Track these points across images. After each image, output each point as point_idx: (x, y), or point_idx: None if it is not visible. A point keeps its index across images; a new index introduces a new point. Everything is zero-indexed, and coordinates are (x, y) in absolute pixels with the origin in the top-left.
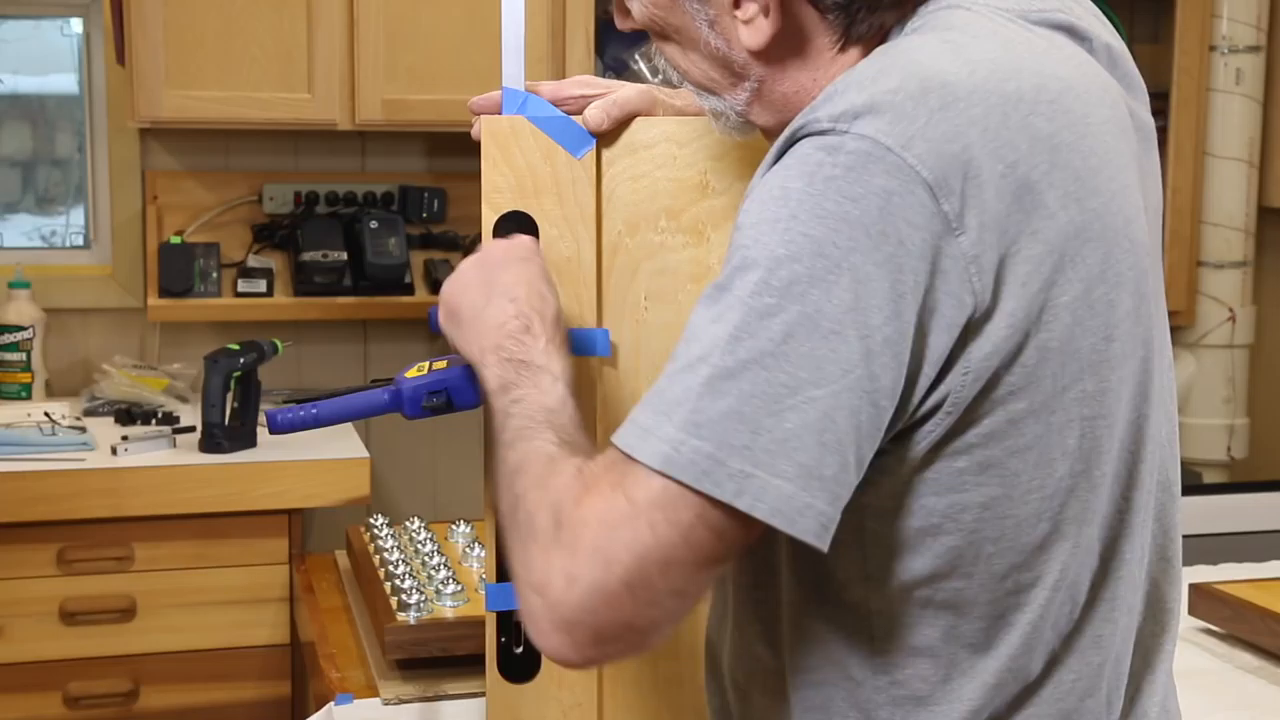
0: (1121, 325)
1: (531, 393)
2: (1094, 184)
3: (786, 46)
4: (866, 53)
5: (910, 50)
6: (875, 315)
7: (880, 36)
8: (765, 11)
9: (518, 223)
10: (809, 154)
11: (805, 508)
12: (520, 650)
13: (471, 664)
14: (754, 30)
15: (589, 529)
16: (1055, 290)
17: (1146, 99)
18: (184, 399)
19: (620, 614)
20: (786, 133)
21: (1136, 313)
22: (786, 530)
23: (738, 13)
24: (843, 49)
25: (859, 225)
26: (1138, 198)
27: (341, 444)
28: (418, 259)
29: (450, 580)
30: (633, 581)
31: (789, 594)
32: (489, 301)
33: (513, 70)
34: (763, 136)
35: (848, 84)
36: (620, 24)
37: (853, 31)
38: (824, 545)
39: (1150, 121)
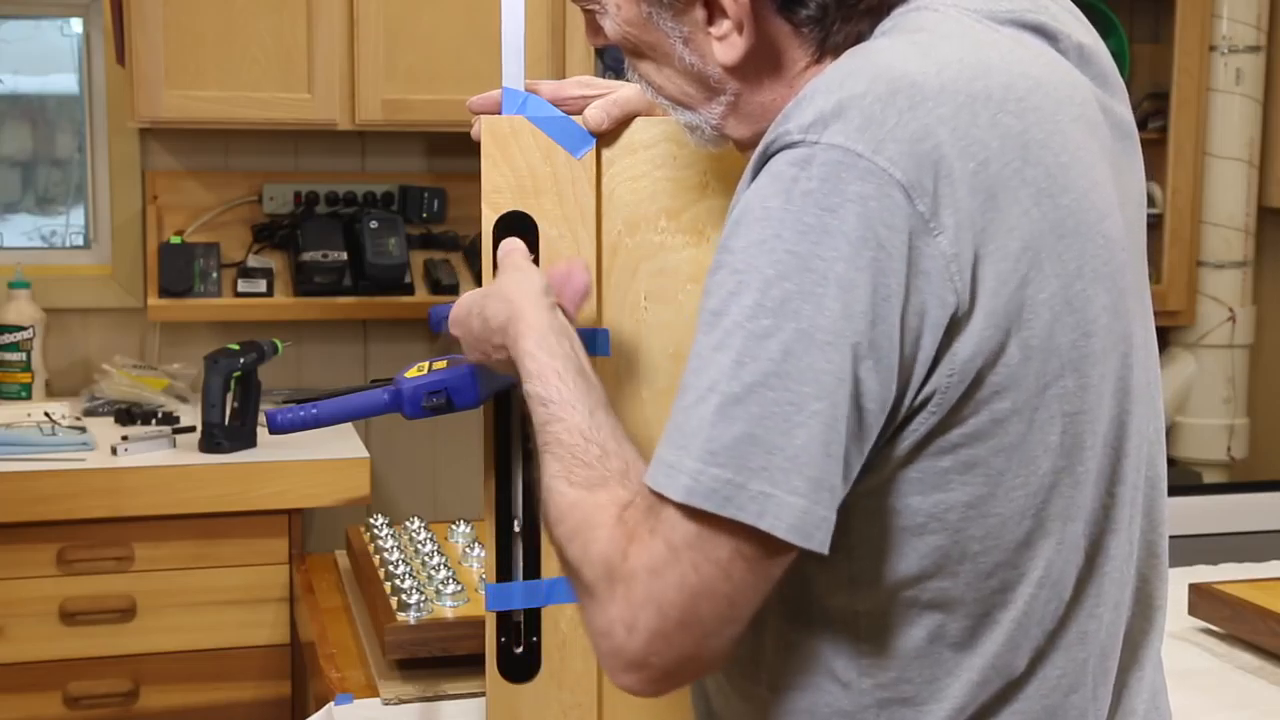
0: (1099, 321)
1: (538, 409)
2: (1065, 181)
3: (761, 61)
4: None
5: (878, 52)
6: (861, 321)
7: (854, 45)
8: (739, 28)
9: (518, 223)
10: (783, 170)
11: (821, 521)
12: (520, 650)
13: (471, 664)
14: (728, 46)
15: (639, 580)
16: (1033, 288)
17: (1125, 95)
18: (184, 399)
19: (682, 650)
20: (760, 147)
21: (1114, 308)
22: (803, 546)
23: (711, 29)
24: (818, 60)
25: (840, 234)
26: (1111, 193)
27: (341, 444)
28: (418, 259)
29: (450, 580)
30: (687, 621)
31: (774, 596)
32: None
33: (513, 70)
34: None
35: (816, 89)
36: (592, 40)
37: (828, 43)
38: (826, 550)
39: (1129, 118)
